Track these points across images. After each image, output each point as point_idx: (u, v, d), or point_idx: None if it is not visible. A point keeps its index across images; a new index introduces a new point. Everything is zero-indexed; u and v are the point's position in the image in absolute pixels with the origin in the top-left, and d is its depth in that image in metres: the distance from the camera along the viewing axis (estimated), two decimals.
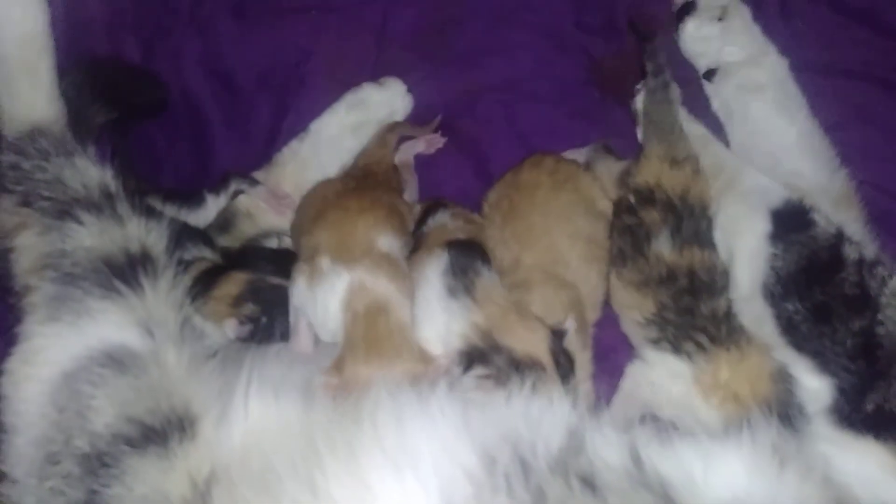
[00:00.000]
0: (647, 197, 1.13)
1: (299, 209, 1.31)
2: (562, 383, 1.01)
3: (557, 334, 1.06)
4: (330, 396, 0.95)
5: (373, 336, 1.04)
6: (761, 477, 0.82)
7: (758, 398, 1.00)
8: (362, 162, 1.35)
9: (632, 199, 1.14)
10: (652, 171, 1.15)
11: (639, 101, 1.33)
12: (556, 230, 1.19)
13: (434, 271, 1.10)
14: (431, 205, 1.28)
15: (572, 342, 1.09)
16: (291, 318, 1.13)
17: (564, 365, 1.04)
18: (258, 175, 1.40)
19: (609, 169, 1.26)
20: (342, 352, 1.05)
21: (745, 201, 1.11)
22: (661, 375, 1.08)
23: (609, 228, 1.20)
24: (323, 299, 1.09)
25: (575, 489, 0.79)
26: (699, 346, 1.05)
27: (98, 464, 0.85)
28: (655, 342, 1.08)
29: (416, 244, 1.21)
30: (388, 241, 1.15)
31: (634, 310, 1.11)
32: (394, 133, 1.39)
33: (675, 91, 1.21)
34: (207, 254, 1.25)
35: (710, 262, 1.09)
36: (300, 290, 1.12)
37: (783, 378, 1.01)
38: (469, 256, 1.12)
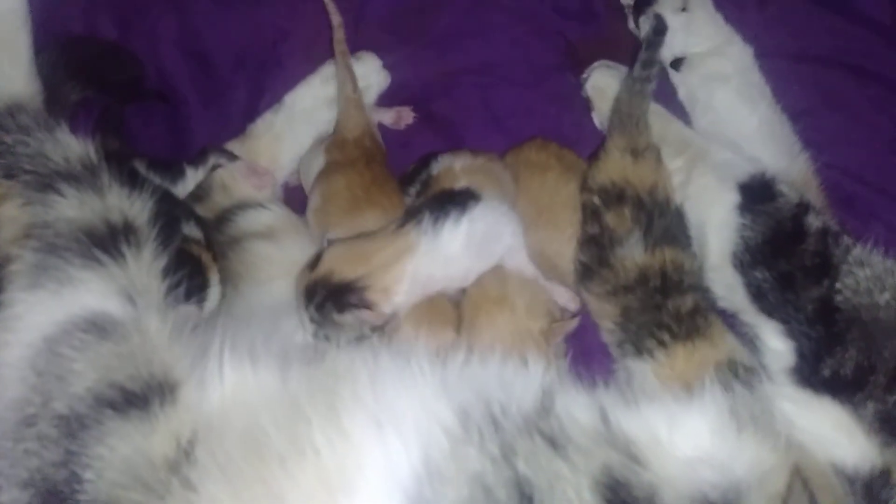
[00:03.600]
0: (617, 195, 1.13)
1: (323, 201, 1.29)
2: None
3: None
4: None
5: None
6: (723, 439, 0.85)
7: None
8: (351, 136, 1.34)
9: (597, 201, 1.14)
10: (616, 166, 1.14)
11: (588, 88, 1.36)
12: (563, 220, 1.20)
13: None
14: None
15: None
16: None
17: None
18: (232, 146, 1.39)
19: None
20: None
21: (714, 173, 1.14)
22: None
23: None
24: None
25: (539, 445, 0.82)
26: (661, 342, 1.06)
27: (77, 426, 0.86)
28: (619, 346, 1.11)
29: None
30: None
31: (604, 318, 1.13)
32: (356, 90, 1.37)
33: (652, 86, 1.20)
34: (194, 231, 1.25)
35: (679, 260, 1.10)
36: None
37: (731, 367, 1.03)
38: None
